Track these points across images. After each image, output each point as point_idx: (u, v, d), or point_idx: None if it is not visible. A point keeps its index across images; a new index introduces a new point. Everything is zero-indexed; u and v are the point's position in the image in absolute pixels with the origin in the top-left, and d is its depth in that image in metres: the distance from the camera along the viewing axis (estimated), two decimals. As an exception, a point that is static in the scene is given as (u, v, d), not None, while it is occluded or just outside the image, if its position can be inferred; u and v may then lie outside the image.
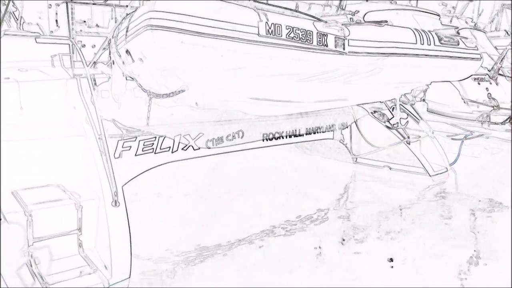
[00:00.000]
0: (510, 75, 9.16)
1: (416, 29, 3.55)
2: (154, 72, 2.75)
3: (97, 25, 4.45)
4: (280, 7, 2.78)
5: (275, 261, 3.66)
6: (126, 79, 4.04)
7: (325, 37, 2.74)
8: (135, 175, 3.90)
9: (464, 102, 8.53)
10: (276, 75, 2.75)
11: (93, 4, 4.49)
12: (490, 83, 8.92)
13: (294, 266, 3.60)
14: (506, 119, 8.19)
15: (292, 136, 5.27)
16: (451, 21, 10.48)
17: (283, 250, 4.00)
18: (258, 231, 4.01)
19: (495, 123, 7.93)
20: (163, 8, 2.48)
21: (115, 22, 4.69)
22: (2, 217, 2.60)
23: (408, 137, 5.69)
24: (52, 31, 5.81)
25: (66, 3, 4.24)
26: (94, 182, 3.29)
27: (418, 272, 3.61)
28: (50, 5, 6.56)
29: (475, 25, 11.75)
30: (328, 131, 5.77)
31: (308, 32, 2.68)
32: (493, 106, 8.51)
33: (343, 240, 4.36)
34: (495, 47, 10.46)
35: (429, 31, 3.69)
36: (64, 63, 4.70)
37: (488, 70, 8.88)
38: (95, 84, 4.14)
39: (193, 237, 3.64)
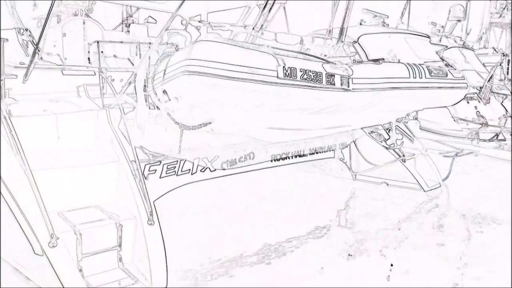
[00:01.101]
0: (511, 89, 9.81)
1: (408, 64, 4.11)
2: (187, 108, 3.26)
3: (128, 60, 4.97)
4: (294, 51, 3.31)
5: (289, 268, 4.13)
6: (149, 108, 4.55)
7: (333, 77, 3.28)
8: (160, 196, 4.37)
9: (454, 120, 9.14)
10: (291, 110, 3.27)
11: (121, 42, 5.01)
12: (479, 101, 9.52)
13: (305, 275, 4.07)
14: (494, 136, 8.79)
15: (297, 157, 5.77)
16: (440, 40, 11.16)
17: (293, 261, 4.46)
18: (274, 243, 4.49)
19: (484, 140, 8.53)
20: (198, 56, 3.00)
21: (139, 57, 5.23)
22: (53, 236, 3.05)
23: (404, 155, 6.21)
24: (66, 58, 6.36)
25: (97, 42, 4.76)
26: (129, 203, 3.75)
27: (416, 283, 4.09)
28: (65, 33, 7.15)
29: (463, 43, 12.46)
30: (329, 151, 6.28)
31: (318, 73, 3.22)
32: (481, 124, 9.13)
33: (349, 255, 4.82)
34: (483, 64, 11.14)
35: (421, 65, 4.25)
36: (88, 93, 5.21)
37: (478, 91, 9.44)
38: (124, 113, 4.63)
39: (215, 250, 4.11)
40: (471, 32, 17.41)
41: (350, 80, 3.36)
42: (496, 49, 16.80)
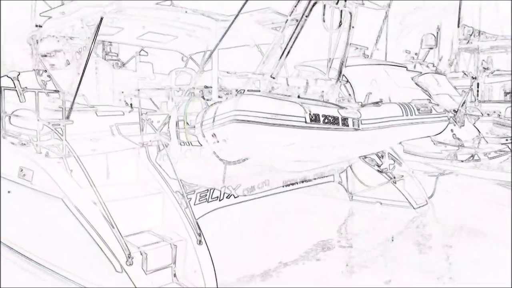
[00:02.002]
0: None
1: (401, 104, 5.10)
2: (231, 148, 4.10)
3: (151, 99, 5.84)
4: (316, 100, 4.25)
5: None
6: (180, 145, 5.38)
7: (347, 120, 4.19)
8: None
9: (434, 143, 10.26)
10: (314, 147, 4.15)
11: (158, 89, 5.86)
12: (454, 125, 10.68)
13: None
14: (470, 157, 9.91)
15: (304, 182, 6.65)
16: (414, 66, 12.34)
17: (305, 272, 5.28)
18: (290, 259, 5.33)
19: (462, 161, 9.64)
20: (243, 107, 3.86)
21: (172, 101, 6.07)
22: (130, 256, 3.79)
23: (394, 177, 7.18)
24: (83, 95, 7.14)
25: (138, 90, 5.58)
26: (177, 227, 4.51)
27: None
28: (79, 73, 8.01)
29: (436, 69, 13.77)
30: (329, 175, 7.20)
31: (335, 117, 4.13)
32: (458, 146, 10.28)
33: (347, 265, 5.68)
34: (455, 87, 12.34)
35: (410, 104, 5.25)
36: (120, 132, 6.00)
37: (454, 115, 10.59)
38: (159, 150, 5.44)
39: (245, 264, 4.92)
40: (442, 58, 19.00)
41: (360, 121, 4.29)
42: (466, 73, 18.40)
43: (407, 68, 11.86)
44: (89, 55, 5.84)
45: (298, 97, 4.71)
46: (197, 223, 4.36)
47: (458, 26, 20.31)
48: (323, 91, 6.05)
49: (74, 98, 5.50)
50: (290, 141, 4.02)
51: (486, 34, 20.06)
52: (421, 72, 11.80)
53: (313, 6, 5.18)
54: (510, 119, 14.86)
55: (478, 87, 18.19)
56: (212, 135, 4.10)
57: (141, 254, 4.00)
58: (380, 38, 12.73)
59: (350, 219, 7.66)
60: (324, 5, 5.35)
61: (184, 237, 4.38)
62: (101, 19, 5.83)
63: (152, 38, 9.13)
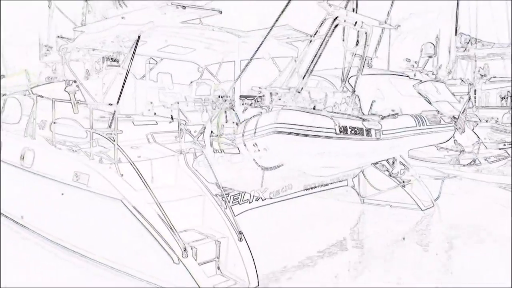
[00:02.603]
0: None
1: (414, 116, 5.76)
2: (271, 156, 4.73)
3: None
4: (344, 113, 4.91)
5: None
6: (214, 152, 6.00)
7: (370, 131, 4.84)
8: (229, 220, 5.74)
9: (437, 148, 10.95)
10: (342, 155, 4.79)
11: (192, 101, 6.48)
12: (455, 131, 11.35)
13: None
14: (471, 161, 10.60)
15: (321, 186, 7.29)
16: (415, 75, 13.01)
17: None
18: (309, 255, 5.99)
19: (463, 165, 10.32)
20: (283, 120, 4.51)
21: (206, 111, 6.69)
22: (185, 249, 4.39)
23: (403, 182, 7.83)
24: (110, 104, 7.73)
25: (178, 102, 6.22)
26: (218, 226, 5.12)
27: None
28: (104, 83, 8.67)
29: (435, 77, 14.47)
30: (343, 180, 7.84)
31: (360, 129, 4.78)
32: (459, 151, 10.98)
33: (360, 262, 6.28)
34: (453, 94, 13.02)
35: (421, 115, 5.92)
36: (155, 140, 6.62)
37: (454, 121, 11.26)
38: (196, 157, 6.05)
39: (276, 259, 5.54)
40: (441, 66, 19.78)
41: (381, 132, 4.94)
42: (464, 80, 19.19)
43: (409, 77, 12.51)
44: (129, 68, 6.44)
45: (314, 108, 5.36)
46: (236, 222, 4.97)
47: (456, 35, 21.13)
48: (336, 102, 6.70)
49: (115, 111, 6.10)
50: (322, 149, 4.66)
51: (482, 42, 20.89)
52: (421, 80, 12.45)
53: (335, 27, 5.84)
54: (508, 124, 15.65)
55: (475, 93, 18.99)
56: (254, 145, 4.73)
57: (191, 248, 4.60)
58: (379, 46, 13.37)
59: (362, 220, 8.29)
60: (344, 27, 6.00)
61: (226, 235, 4.99)
62: (139, 37, 6.44)
63: (171, 51, 9.80)
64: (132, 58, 6.57)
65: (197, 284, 4.32)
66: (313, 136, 4.53)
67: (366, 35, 6.44)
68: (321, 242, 6.75)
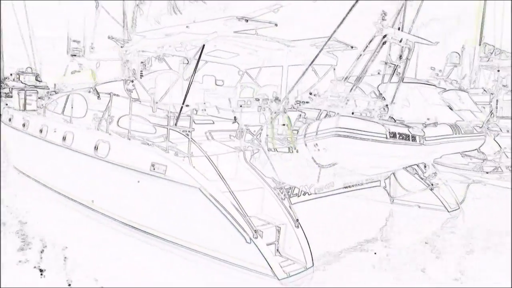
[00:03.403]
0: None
1: (451, 125, 6.56)
2: (329, 155, 5.56)
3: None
4: (392, 118, 5.74)
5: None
6: (269, 150, 6.85)
7: (415, 137, 5.64)
8: (282, 211, 6.58)
9: (461, 156, 11.68)
10: (390, 157, 5.60)
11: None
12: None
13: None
14: (494, 169, 11.31)
15: (358, 185, 8.09)
16: (439, 83, 13.71)
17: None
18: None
19: (487, 172, 11.05)
20: (342, 125, 5.34)
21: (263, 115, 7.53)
22: (257, 231, 5.24)
23: (432, 184, 8.60)
24: (187, 105, 8.58)
25: (241, 105, 7.08)
26: (276, 214, 5.96)
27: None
28: (156, 83, 9.57)
29: (459, 86, 15.14)
30: (377, 181, 8.64)
31: (407, 135, 5.59)
32: (482, 159, 11.71)
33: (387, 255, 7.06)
34: (475, 103, 13.67)
35: (457, 125, 6.70)
36: (213, 137, 7.47)
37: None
38: (253, 154, 6.90)
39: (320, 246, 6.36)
40: (466, 76, 20.46)
41: (424, 138, 5.74)
42: (485, 90, 19.84)
43: (436, 86, 13.23)
44: (194, 72, 7.30)
45: (352, 113, 6.17)
46: (292, 211, 5.82)
47: (480, 44, 21.78)
48: (373, 109, 7.51)
49: (181, 108, 6.97)
50: (374, 151, 5.48)
51: (506, 53, 21.52)
52: (445, 89, 13.15)
53: (383, 44, 6.66)
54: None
55: (497, 103, 19.64)
56: (315, 145, 5.56)
57: (258, 232, 5.45)
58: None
59: (390, 220, 9.07)
60: (390, 43, 6.81)
61: (284, 222, 5.83)
62: (203, 46, 7.33)
63: (217, 55, 10.71)
64: (197, 64, 7.45)
65: (266, 260, 5.17)
66: (367, 139, 5.35)
67: (409, 50, 7.25)
68: (356, 235, 7.58)
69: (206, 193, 5.57)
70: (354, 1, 6.89)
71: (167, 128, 6.37)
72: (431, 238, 7.94)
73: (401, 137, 5.54)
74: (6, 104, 13.92)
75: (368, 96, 8.27)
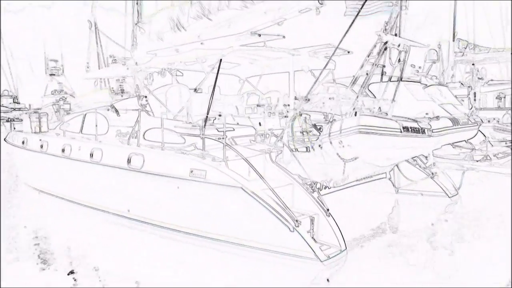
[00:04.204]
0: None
1: (450, 118, 7.64)
2: (352, 151, 6.52)
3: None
4: (404, 117, 6.76)
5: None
6: (291, 151, 7.77)
7: (424, 130, 6.67)
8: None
9: (453, 147, 12.87)
10: (404, 148, 6.61)
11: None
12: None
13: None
14: (483, 157, 12.53)
15: (368, 177, 9.08)
16: (420, 79, 14.92)
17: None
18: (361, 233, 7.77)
19: (477, 161, 12.25)
20: (363, 123, 6.31)
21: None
22: (298, 221, 6.15)
23: (433, 173, 9.68)
24: (220, 115, 9.41)
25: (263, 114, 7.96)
26: (308, 206, 6.86)
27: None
28: (168, 97, 10.40)
29: (439, 81, 16.43)
30: (383, 172, 9.65)
31: (418, 128, 6.61)
32: (471, 149, 12.93)
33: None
34: (455, 96, 14.92)
35: (455, 118, 7.80)
36: (235, 142, 8.31)
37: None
38: (277, 154, 7.81)
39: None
40: (444, 72, 21.89)
41: (432, 130, 6.78)
42: (463, 83, 21.34)
43: (420, 82, 14.45)
44: (214, 86, 8.17)
45: (355, 114, 7.18)
46: (323, 202, 6.74)
47: (454, 40, 23.31)
48: (380, 107, 8.55)
49: (207, 119, 7.82)
50: (390, 145, 6.47)
51: (479, 47, 23.11)
52: (426, 84, 14.38)
53: (385, 50, 7.70)
54: (509, 124, 17.86)
55: (475, 96, 21.13)
56: (339, 142, 6.51)
57: (297, 221, 6.34)
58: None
59: (396, 208, 10.10)
60: (390, 48, 7.86)
61: (316, 212, 6.75)
62: (220, 60, 8.22)
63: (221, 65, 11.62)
64: (216, 76, 8.31)
65: (309, 245, 6.07)
66: (385, 134, 6.34)
67: (405, 53, 8.32)
68: (372, 222, 8.56)
69: (248, 191, 6.43)
70: (355, 14, 7.93)
71: (202, 137, 7.22)
72: (436, 221, 8.99)
73: (412, 131, 6.55)
74: (14, 128, 14.42)
75: (371, 97, 9.31)
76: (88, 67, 16.25)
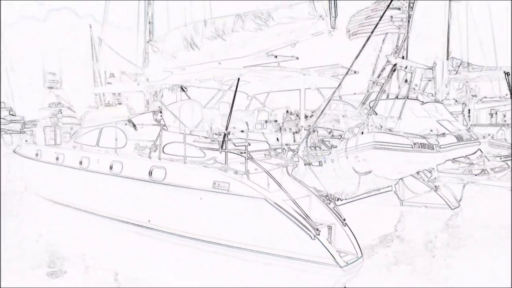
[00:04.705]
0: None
1: (455, 135, 8.29)
2: (367, 165, 7.11)
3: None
4: (413, 133, 7.39)
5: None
6: (305, 165, 8.34)
7: (433, 145, 7.29)
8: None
9: (452, 161, 13.48)
10: (413, 163, 7.23)
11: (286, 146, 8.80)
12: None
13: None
14: (481, 171, 13.17)
15: (376, 190, 9.66)
16: (417, 97, 15.61)
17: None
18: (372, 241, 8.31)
19: (475, 175, 12.88)
20: (378, 140, 6.91)
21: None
22: (318, 229, 6.68)
23: (436, 186, 10.30)
24: (242, 131, 9.99)
25: (278, 135, 8.52)
26: (324, 216, 7.40)
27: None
28: (181, 112, 10.95)
29: (435, 98, 17.15)
30: (389, 186, 10.24)
31: (427, 144, 7.23)
32: (469, 163, 13.56)
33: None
34: (451, 113, 15.64)
35: (459, 134, 8.45)
36: (252, 157, 8.85)
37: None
38: (293, 168, 8.36)
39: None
40: (439, 90, 22.74)
41: (439, 146, 7.41)
42: (457, 100, 22.19)
43: (418, 99, 15.10)
44: (233, 103, 8.72)
45: (362, 133, 7.82)
46: (339, 213, 7.29)
47: (448, 59, 24.27)
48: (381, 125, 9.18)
49: (226, 134, 8.37)
50: (402, 159, 7.08)
51: (473, 66, 24.10)
52: (423, 101, 15.07)
53: (394, 71, 8.36)
54: (503, 140, 18.64)
55: (469, 113, 21.98)
56: (355, 157, 7.10)
57: (317, 230, 6.88)
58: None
59: (401, 220, 10.68)
60: (399, 70, 8.52)
61: (333, 222, 7.29)
62: (238, 79, 8.81)
63: (229, 83, 12.27)
64: (235, 94, 8.89)
65: (330, 252, 6.60)
66: (398, 149, 6.95)
67: (411, 74, 8.99)
68: (381, 231, 9.12)
69: (271, 202, 6.96)
70: (367, 37, 8.61)
71: (225, 151, 7.75)
72: (439, 232, 9.58)
73: (422, 146, 7.17)
74: (26, 141, 14.84)
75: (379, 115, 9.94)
76: (95, 84, 16.79)
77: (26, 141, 14.00)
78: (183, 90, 12.72)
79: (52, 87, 36.09)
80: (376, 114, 12.47)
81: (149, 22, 13.29)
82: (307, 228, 6.75)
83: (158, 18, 13.53)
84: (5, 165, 15.09)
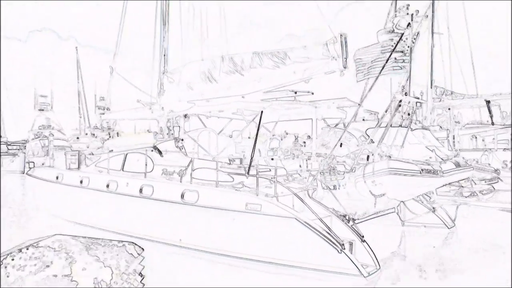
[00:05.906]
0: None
1: (453, 162, 9.71)
2: (383, 188, 8.40)
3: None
4: (420, 161, 8.76)
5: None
6: (323, 188, 9.60)
7: (437, 171, 8.67)
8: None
9: (448, 185, 14.86)
10: (421, 186, 8.56)
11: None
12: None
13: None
14: (470, 194, 14.63)
15: (380, 211, 10.94)
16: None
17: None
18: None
19: (466, 197, 14.33)
20: (393, 166, 8.22)
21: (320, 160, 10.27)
22: (343, 243, 7.91)
23: (434, 208, 11.68)
24: (272, 159, 11.14)
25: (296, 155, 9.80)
26: (344, 234, 8.62)
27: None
28: (195, 140, 12.18)
29: (422, 125, 18.70)
30: (393, 207, 11.57)
31: (432, 170, 8.60)
32: (458, 186, 15.02)
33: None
34: (437, 139, 17.20)
35: (457, 161, 9.88)
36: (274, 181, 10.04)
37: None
38: (313, 191, 9.60)
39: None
40: (426, 118, 24.39)
41: (443, 172, 8.78)
42: (441, 126, 23.92)
43: (409, 128, 16.57)
44: (257, 134, 9.93)
45: (367, 158, 9.18)
46: (356, 229, 8.52)
47: (431, 87, 26.17)
48: (379, 154, 10.56)
49: (251, 161, 9.58)
50: (411, 183, 8.40)
51: (455, 94, 26.09)
52: (411, 128, 16.56)
53: (399, 106, 9.79)
54: (486, 164, 20.28)
55: (454, 138, 23.74)
56: (373, 181, 8.40)
57: (343, 245, 8.08)
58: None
59: (403, 240, 11.97)
60: (403, 105, 9.96)
61: (353, 239, 8.51)
62: (262, 112, 10.08)
63: (244, 113, 13.53)
64: (259, 126, 10.13)
65: (355, 264, 7.80)
66: (408, 175, 8.29)
67: (413, 108, 10.45)
68: (389, 248, 10.37)
69: (301, 221, 8.15)
70: (377, 76, 10.04)
71: (256, 177, 8.95)
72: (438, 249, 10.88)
73: (428, 172, 8.52)
74: (42, 164, 15.70)
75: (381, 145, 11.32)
76: (108, 109, 17.81)
77: (43, 164, 14.89)
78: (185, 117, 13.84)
79: (43, 109, 36.75)
80: (372, 141, 13.79)
81: (164, 55, 14.54)
82: (334, 244, 7.95)
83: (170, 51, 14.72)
84: (19, 187, 15.83)
